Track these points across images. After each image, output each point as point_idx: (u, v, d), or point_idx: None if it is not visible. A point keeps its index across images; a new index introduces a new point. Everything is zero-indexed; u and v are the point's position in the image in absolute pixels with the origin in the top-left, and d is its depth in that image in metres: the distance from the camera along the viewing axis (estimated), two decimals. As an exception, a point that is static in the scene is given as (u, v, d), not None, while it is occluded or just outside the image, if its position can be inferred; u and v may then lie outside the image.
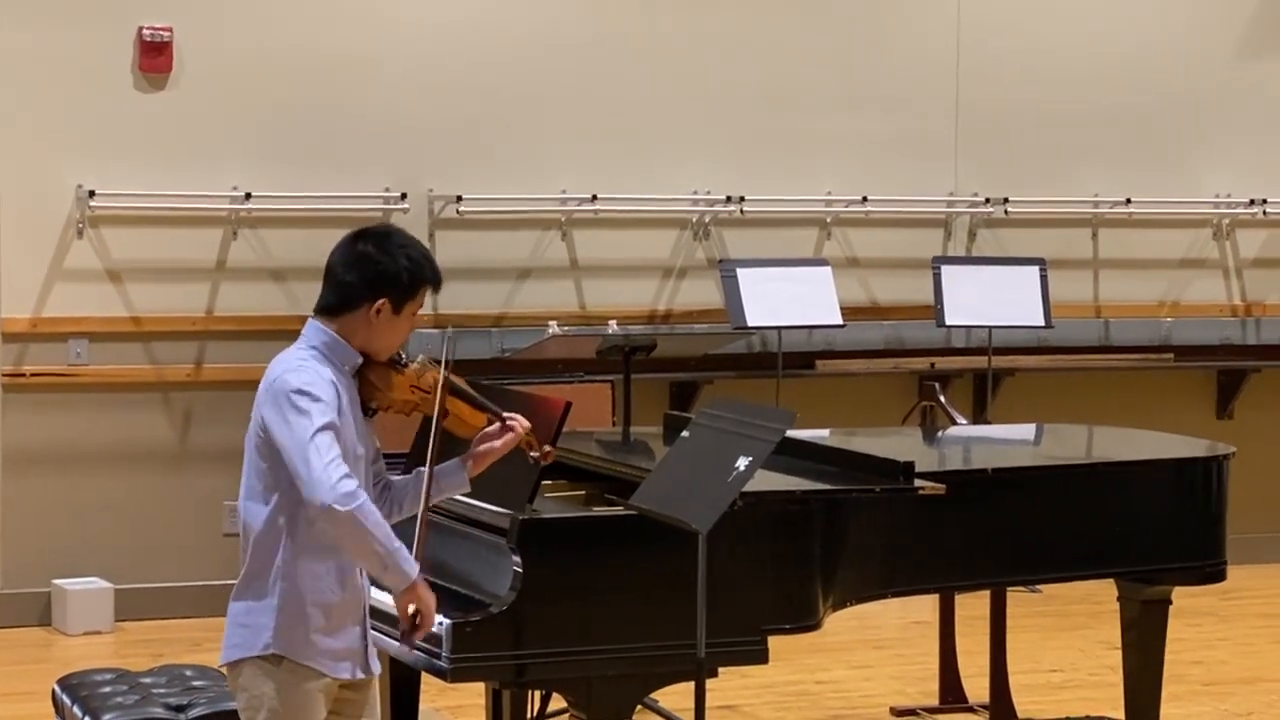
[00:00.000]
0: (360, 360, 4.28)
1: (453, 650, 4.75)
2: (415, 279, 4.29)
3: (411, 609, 4.20)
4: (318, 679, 4.23)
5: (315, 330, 4.29)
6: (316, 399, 4.13)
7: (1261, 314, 10.24)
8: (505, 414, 4.40)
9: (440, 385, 4.32)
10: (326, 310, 4.29)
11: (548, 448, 4.52)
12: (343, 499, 4.06)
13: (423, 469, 4.34)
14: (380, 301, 4.25)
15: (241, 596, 4.26)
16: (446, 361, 4.34)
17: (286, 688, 4.21)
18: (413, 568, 4.17)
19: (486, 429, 4.40)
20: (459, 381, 4.39)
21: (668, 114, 9.29)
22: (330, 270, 4.31)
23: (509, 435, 4.39)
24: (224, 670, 4.34)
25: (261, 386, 4.24)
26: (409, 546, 4.19)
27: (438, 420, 4.31)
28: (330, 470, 4.07)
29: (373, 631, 4.41)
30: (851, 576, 5.31)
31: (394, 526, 4.41)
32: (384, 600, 4.99)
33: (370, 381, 4.30)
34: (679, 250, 9.35)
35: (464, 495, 4.57)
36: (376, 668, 4.38)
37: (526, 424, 4.41)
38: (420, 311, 4.42)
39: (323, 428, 4.11)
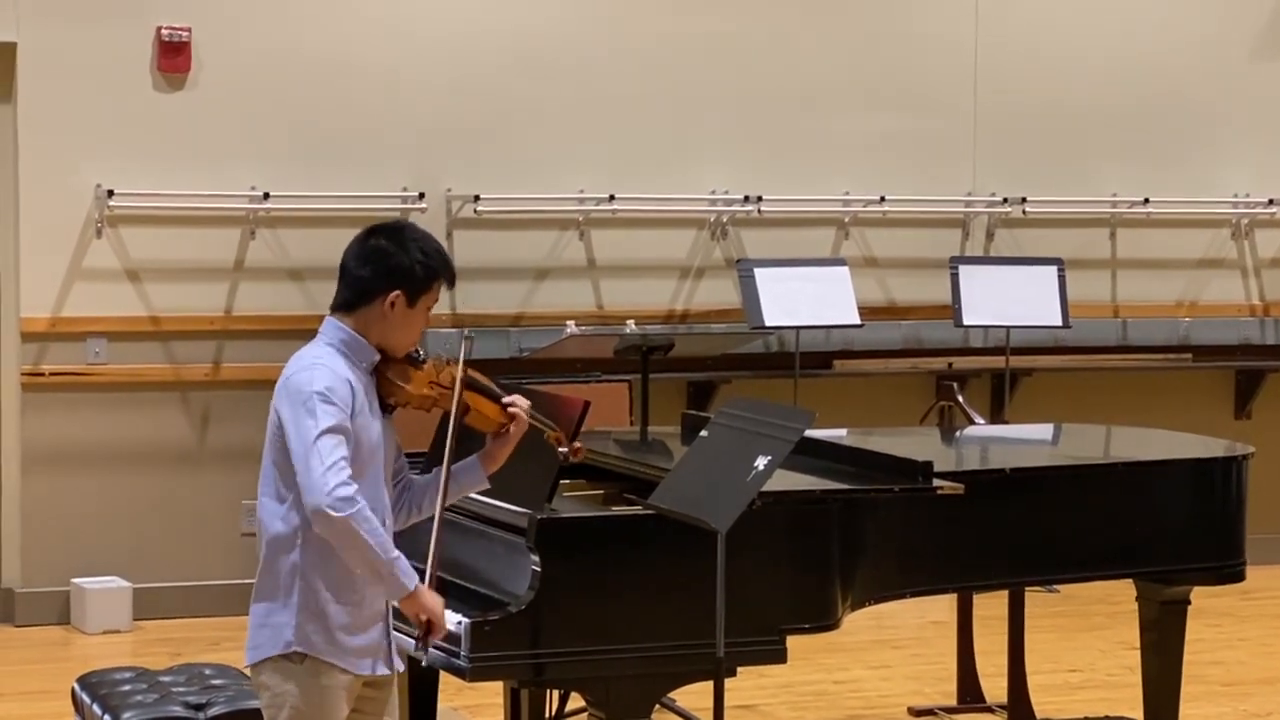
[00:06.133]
0: (378, 357, 4.27)
1: (471, 649, 4.75)
2: (429, 271, 4.28)
3: (423, 617, 4.20)
4: (341, 676, 4.23)
5: (332, 327, 4.28)
6: (329, 401, 4.12)
7: (1280, 314, 10.23)
8: (504, 398, 4.35)
9: (459, 380, 4.31)
10: (343, 307, 4.29)
11: (577, 444, 4.52)
12: (337, 504, 4.05)
13: (440, 468, 4.34)
14: (395, 294, 4.24)
15: (261, 597, 4.26)
16: (464, 359, 4.33)
17: (309, 685, 4.21)
18: (410, 579, 4.15)
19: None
20: (478, 376, 4.36)
21: (685, 114, 9.29)
22: (345, 267, 4.31)
23: (516, 421, 4.34)
24: (247, 671, 4.35)
25: (279, 384, 4.24)
26: (427, 544, 4.18)
27: (456, 415, 4.30)
28: (329, 475, 4.06)
29: (394, 632, 4.41)
30: (869, 576, 5.30)
31: (412, 527, 4.43)
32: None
33: (389, 378, 4.28)
34: (696, 250, 9.35)
35: (483, 494, 4.56)
36: (399, 664, 4.38)
37: (525, 403, 4.36)
38: (438, 310, 4.42)
39: (328, 430, 4.10)
